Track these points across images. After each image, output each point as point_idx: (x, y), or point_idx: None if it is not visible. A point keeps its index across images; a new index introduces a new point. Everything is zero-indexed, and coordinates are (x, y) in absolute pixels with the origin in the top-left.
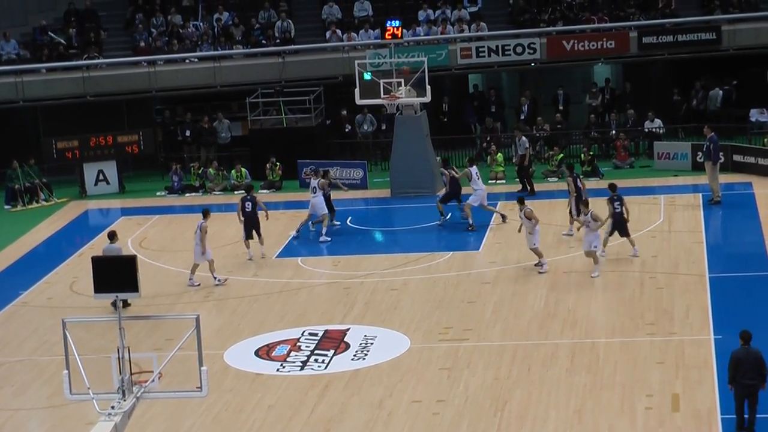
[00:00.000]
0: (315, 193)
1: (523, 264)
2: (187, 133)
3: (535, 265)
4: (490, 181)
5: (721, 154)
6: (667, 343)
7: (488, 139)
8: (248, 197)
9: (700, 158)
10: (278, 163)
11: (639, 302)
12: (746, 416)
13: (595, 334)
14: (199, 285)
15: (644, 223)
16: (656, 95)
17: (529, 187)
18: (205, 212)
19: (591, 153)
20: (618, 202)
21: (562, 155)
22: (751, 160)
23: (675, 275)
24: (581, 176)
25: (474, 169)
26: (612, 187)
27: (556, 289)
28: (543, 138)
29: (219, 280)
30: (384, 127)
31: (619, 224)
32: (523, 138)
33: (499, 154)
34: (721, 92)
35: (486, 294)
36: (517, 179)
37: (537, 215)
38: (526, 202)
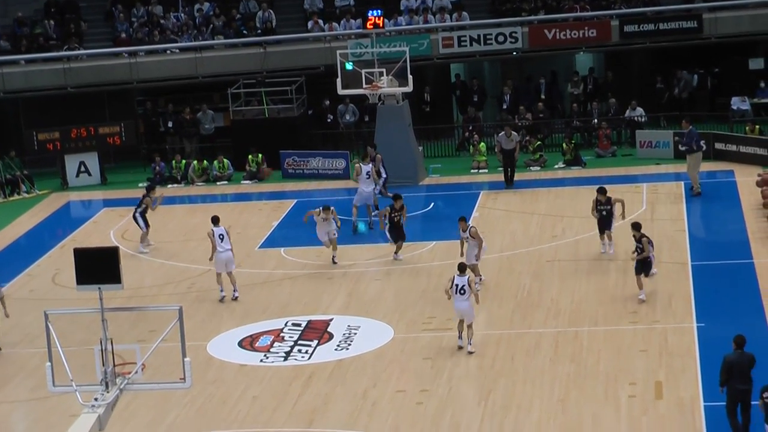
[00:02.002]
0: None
1: (507, 253)
2: (170, 125)
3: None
4: (472, 171)
5: (702, 142)
6: (650, 331)
7: (470, 128)
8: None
9: (683, 148)
10: (260, 155)
11: (622, 291)
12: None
13: (579, 323)
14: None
15: (626, 211)
16: (638, 84)
17: (509, 179)
18: (215, 218)
19: (573, 141)
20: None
21: (539, 143)
22: (733, 148)
23: (658, 263)
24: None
25: (367, 168)
26: (601, 190)
27: (540, 279)
28: (525, 127)
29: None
30: (366, 118)
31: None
32: (514, 133)
33: (482, 143)
34: (696, 76)
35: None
36: (500, 168)
37: (482, 235)
38: (467, 220)
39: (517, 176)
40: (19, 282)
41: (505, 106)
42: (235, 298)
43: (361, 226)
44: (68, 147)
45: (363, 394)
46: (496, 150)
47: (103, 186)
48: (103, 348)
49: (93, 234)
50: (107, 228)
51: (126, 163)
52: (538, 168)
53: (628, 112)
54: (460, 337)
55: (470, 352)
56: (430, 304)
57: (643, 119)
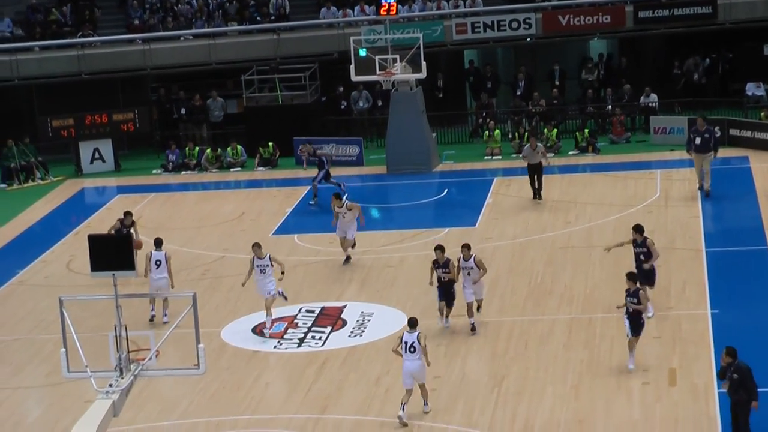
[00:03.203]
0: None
1: (520, 239)
2: (183, 111)
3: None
4: (486, 157)
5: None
6: (664, 318)
7: (484, 115)
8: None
9: (697, 147)
10: (270, 144)
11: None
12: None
13: (592, 310)
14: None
15: (640, 198)
16: (652, 70)
17: (537, 193)
18: (158, 241)
19: (587, 129)
20: (642, 248)
21: (556, 130)
22: (748, 134)
23: (672, 250)
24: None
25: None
26: (637, 228)
27: (553, 265)
28: (539, 114)
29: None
30: (380, 104)
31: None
32: (539, 145)
33: (497, 130)
34: (707, 60)
35: None
36: (528, 174)
37: (487, 265)
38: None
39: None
40: (33, 268)
41: (518, 93)
42: (165, 323)
43: (374, 212)
44: (82, 134)
45: (376, 380)
46: (521, 156)
47: (117, 173)
48: (118, 334)
49: (107, 220)
50: (121, 214)
51: (140, 149)
52: (552, 154)
53: (642, 98)
54: (403, 409)
55: (426, 413)
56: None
57: (656, 105)
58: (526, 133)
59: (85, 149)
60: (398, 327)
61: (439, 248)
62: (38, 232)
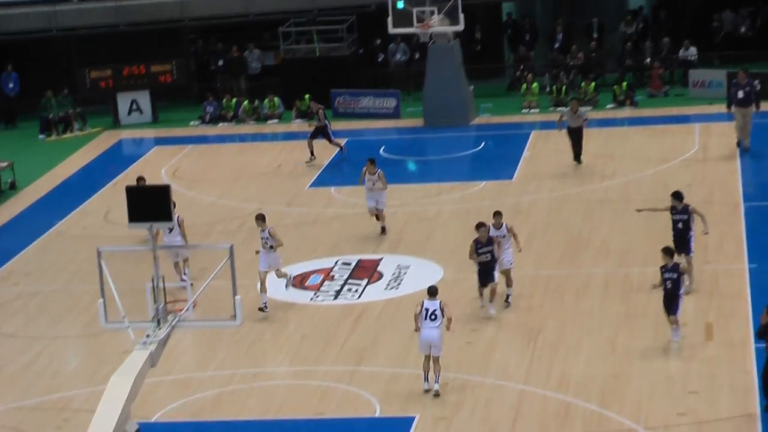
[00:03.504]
0: None
1: (557, 193)
2: (220, 63)
3: (505, 301)
4: (523, 110)
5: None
6: (701, 272)
7: (521, 68)
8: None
9: (739, 101)
10: (306, 96)
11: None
12: None
13: (629, 264)
14: None
15: (678, 152)
16: (691, 22)
17: (578, 155)
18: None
19: (625, 83)
20: (682, 216)
21: (593, 84)
22: None
23: (709, 204)
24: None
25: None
26: (676, 195)
27: (590, 219)
28: (577, 67)
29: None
30: (417, 57)
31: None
32: (581, 108)
33: (535, 83)
34: (747, 12)
35: (519, 224)
36: (568, 138)
37: (523, 219)
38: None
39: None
40: (71, 219)
41: (556, 46)
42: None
43: (410, 165)
44: (120, 85)
45: (412, 333)
46: (558, 123)
47: (155, 124)
48: (155, 285)
49: (144, 172)
50: (158, 166)
51: (177, 101)
52: (590, 108)
53: (681, 51)
54: (426, 378)
55: (437, 394)
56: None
57: (695, 58)
58: (564, 87)
59: (123, 101)
60: (434, 280)
61: (483, 225)
62: (76, 183)
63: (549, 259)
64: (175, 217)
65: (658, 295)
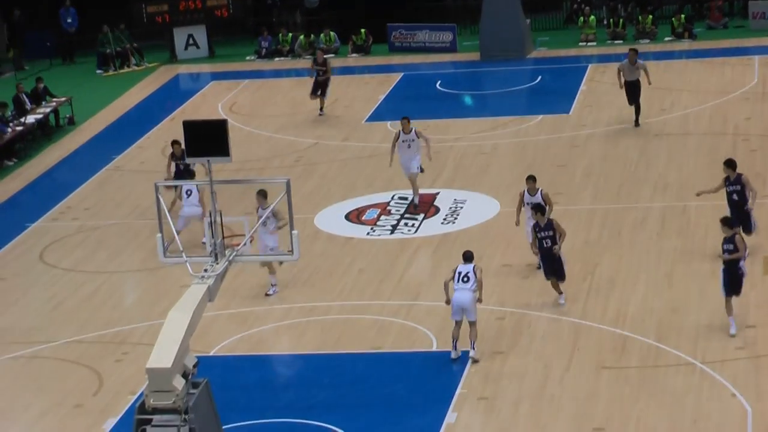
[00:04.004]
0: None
1: (614, 127)
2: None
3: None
4: (580, 44)
5: None
6: (759, 206)
7: (579, 0)
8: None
9: None
10: (363, 31)
11: None
12: None
13: (687, 198)
14: None
15: (738, 84)
16: None
17: (637, 116)
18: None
19: (683, 15)
20: (735, 186)
21: (651, 17)
22: None
23: None
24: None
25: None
26: (729, 163)
27: (647, 153)
28: None
29: None
30: None
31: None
32: (640, 61)
33: (592, 16)
34: None
35: (576, 158)
36: (626, 94)
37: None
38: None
39: (625, 48)
40: (129, 154)
41: None
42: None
43: (467, 99)
44: (177, 20)
45: None
46: (618, 78)
47: (211, 59)
48: (213, 220)
49: (201, 107)
50: (216, 101)
51: (233, 36)
52: (648, 41)
53: None
54: (455, 346)
55: (475, 361)
56: (537, 178)
57: None
58: (621, 20)
59: (180, 35)
60: (491, 214)
61: (539, 208)
62: (134, 118)
63: (606, 193)
64: (194, 188)
65: (716, 230)
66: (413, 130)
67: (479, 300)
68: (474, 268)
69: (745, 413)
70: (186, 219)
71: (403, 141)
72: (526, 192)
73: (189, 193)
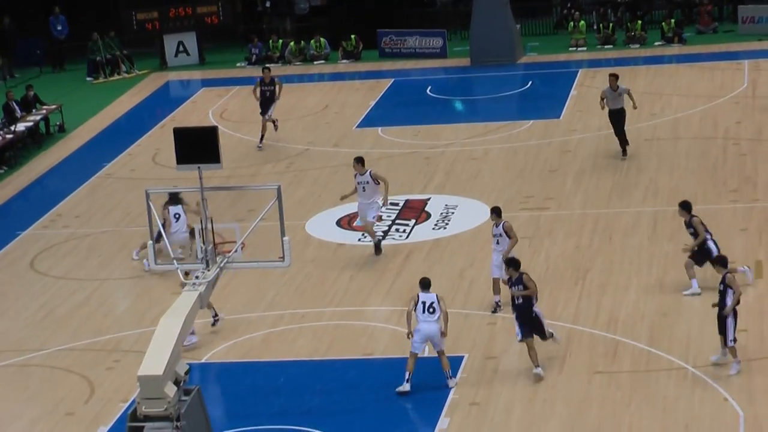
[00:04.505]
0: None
1: (605, 131)
2: (267, 4)
3: (494, 308)
4: (570, 49)
5: None
6: (750, 210)
7: (569, 5)
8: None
9: None
10: (353, 36)
11: (722, 169)
12: None
13: (678, 202)
14: None
15: (728, 89)
16: None
17: (623, 146)
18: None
19: (673, 19)
20: (689, 229)
21: (640, 22)
22: None
23: (758, 141)
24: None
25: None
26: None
27: (638, 158)
28: (624, 4)
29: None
30: None
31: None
32: (621, 86)
33: (582, 21)
34: None
35: (567, 163)
36: (610, 123)
37: (517, 233)
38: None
39: (615, 53)
40: (120, 161)
41: None
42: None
43: (458, 105)
44: (167, 27)
45: (460, 273)
46: (601, 104)
47: (202, 66)
48: (204, 227)
49: (192, 113)
50: (206, 107)
51: (224, 42)
52: (638, 45)
53: None
54: (408, 380)
55: (450, 387)
56: (527, 183)
57: None
58: (611, 25)
59: (170, 42)
60: (482, 220)
61: (511, 263)
62: (124, 126)
63: (597, 197)
64: (180, 207)
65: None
66: (368, 172)
67: (443, 333)
68: (438, 298)
69: (738, 417)
70: (176, 244)
71: (357, 183)
72: (494, 225)
73: (177, 216)
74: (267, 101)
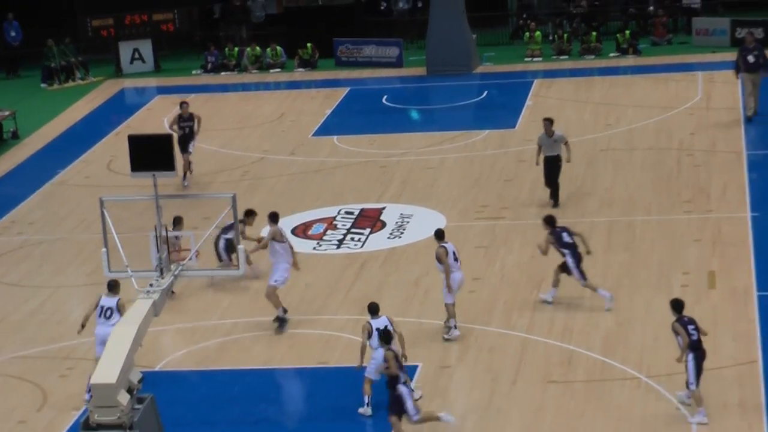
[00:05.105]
0: None
1: None
2: (216, 15)
3: (446, 330)
4: (526, 59)
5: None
6: (704, 220)
7: (525, 16)
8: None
9: (749, 65)
10: (309, 45)
11: (676, 180)
12: None
13: (632, 213)
14: None
15: (682, 100)
16: None
17: (554, 195)
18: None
19: (628, 31)
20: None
21: (595, 33)
22: None
23: (712, 153)
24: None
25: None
26: (547, 220)
27: (593, 168)
28: (580, 15)
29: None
30: (420, 5)
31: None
32: (557, 132)
33: (538, 31)
34: None
35: (522, 172)
36: (544, 174)
37: (448, 259)
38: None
39: (571, 64)
40: (74, 168)
41: None
42: None
43: (414, 114)
44: (122, 33)
45: (416, 281)
46: (537, 154)
47: (157, 73)
48: (158, 235)
49: (147, 121)
50: (161, 115)
51: (180, 50)
52: (593, 56)
53: None
54: (367, 403)
55: (417, 398)
56: (483, 193)
57: (698, 6)
58: (567, 35)
59: (125, 49)
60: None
61: (384, 337)
62: (79, 132)
63: (552, 207)
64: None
65: (661, 243)
66: (280, 233)
67: (404, 356)
68: (389, 321)
69: (690, 427)
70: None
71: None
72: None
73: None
74: (186, 138)
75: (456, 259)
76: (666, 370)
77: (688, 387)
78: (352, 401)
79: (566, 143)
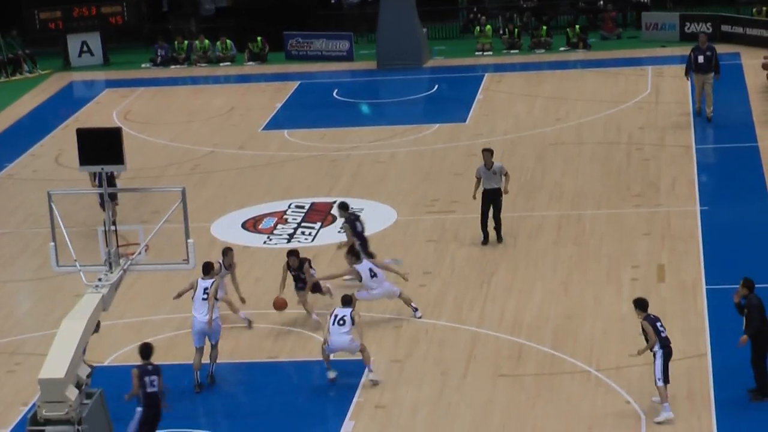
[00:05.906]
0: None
1: (510, 136)
2: (165, 9)
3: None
4: (477, 53)
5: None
6: (653, 214)
7: (475, 10)
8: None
9: (700, 66)
10: (259, 38)
11: (626, 174)
12: None
13: (582, 206)
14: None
15: (631, 94)
16: None
17: (497, 230)
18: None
19: (578, 25)
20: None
21: (545, 27)
22: (739, 30)
23: (661, 147)
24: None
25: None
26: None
27: (543, 161)
28: (530, 9)
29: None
30: None
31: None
32: (497, 164)
33: (488, 25)
34: None
35: (473, 166)
36: (481, 205)
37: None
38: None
39: (521, 58)
40: (22, 162)
41: None
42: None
43: (364, 108)
44: (70, 26)
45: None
46: (475, 187)
47: (106, 66)
48: (107, 229)
49: (96, 114)
50: (110, 108)
51: (128, 43)
52: (543, 50)
53: None
54: (328, 368)
55: (373, 381)
56: (433, 187)
57: (648, 1)
58: (517, 29)
59: (73, 42)
60: (388, 223)
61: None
62: (26, 126)
63: (503, 201)
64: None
65: (611, 238)
66: (222, 265)
67: (362, 347)
68: (351, 313)
69: (639, 420)
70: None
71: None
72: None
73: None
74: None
75: (374, 275)
76: (615, 363)
77: (655, 383)
78: (302, 396)
79: (506, 174)
